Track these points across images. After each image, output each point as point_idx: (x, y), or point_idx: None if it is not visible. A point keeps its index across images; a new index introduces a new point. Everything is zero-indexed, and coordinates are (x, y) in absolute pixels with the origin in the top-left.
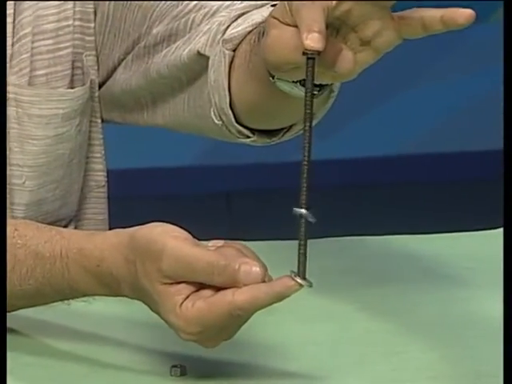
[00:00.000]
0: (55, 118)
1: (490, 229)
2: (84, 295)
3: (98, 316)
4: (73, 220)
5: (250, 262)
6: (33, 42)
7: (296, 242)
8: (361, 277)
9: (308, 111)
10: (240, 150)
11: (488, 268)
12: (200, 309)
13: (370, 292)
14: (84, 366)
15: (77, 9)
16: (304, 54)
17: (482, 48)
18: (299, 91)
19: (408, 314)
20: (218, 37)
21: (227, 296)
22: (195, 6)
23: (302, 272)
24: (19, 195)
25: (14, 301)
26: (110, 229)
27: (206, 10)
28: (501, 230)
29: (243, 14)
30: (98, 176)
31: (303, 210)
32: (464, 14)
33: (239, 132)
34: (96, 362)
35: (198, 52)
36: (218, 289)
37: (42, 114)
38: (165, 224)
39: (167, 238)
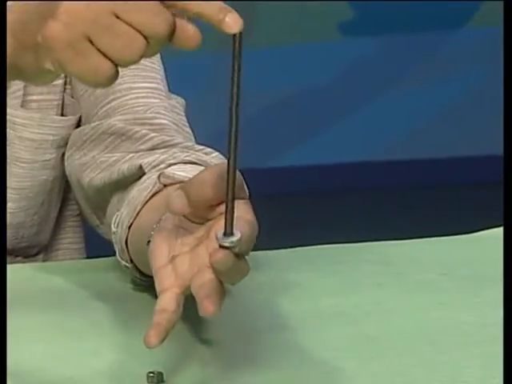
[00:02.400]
0: (45, 143)
1: (470, 232)
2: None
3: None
4: (44, 249)
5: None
6: None
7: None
8: (335, 283)
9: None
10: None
11: (463, 273)
12: None
13: (346, 298)
14: (60, 374)
15: None
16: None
17: (461, 52)
18: None
19: (384, 320)
20: (162, 166)
21: None
22: (159, 127)
23: (229, 230)
24: None
25: None
26: (88, 257)
27: (168, 138)
28: (478, 233)
29: (195, 163)
30: (74, 205)
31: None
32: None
33: (122, 251)
34: (71, 369)
35: (140, 166)
36: None
37: (33, 138)
38: None
39: None
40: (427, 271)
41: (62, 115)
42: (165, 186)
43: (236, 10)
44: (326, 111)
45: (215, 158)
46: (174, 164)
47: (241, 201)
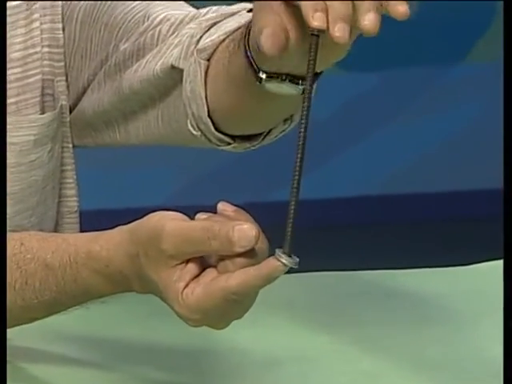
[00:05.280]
0: (27, 144)
1: (465, 264)
2: (100, 296)
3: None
4: None
5: (241, 222)
6: None
7: None
8: (333, 315)
9: (307, 95)
10: (209, 191)
11: (461, 307)
12: (198, 296)
13: (343, 334)
14: None
15: (44, 35)
16: (310, 32)
17: (458, 86)
18: (288, 89)
19: (382, 357)
20: (192, 48)
21: (220, 282)
22: (161, 20)
23: (287, 250)
24: None
25: (34, 314)
26: None
27: (171, 21)
28: (476, 266)
29: (215, 23)
30: (71, 202)
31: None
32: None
33: (219, 140)
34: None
35: (172, 65)
36: (217, 272)
37: (14, 141)
38: (162, 211)
39: (165, 220)
40: (425, 304)
41: (42, 113)
42: (208, 60)
43: None
44: (325, 145)
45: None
46: (200, 37)
47: None
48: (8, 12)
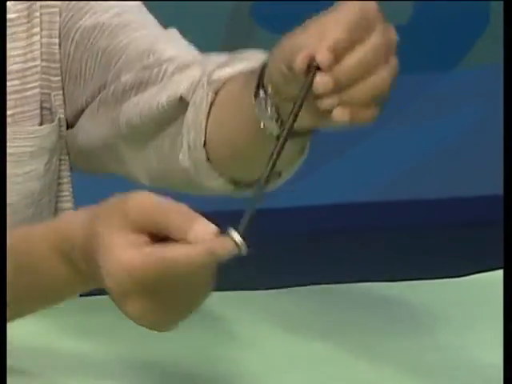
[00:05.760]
0: (24, 155)
1: (464, 275)
2: (52, 281)
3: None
4: None
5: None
6: None
7: None
8: (326, 326)
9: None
10: (203, 197)
11: (456, 315)
12: (134, 262)
13: (337, 341)
14: None
15: (43, 50)
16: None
17: (454, 92)
18: (273, 125)
19: (377, 364)
20: (203, 80)
21: (161, 252)
22: (169, 58)
23: (242, 231)
24: None
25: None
26: None
27: (179, 60)
28: (471, 277)
29: (225, 63)
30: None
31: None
32: None
33: (208, 174)
34: None
35: (181, 97)
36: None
37: (10, 152)
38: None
39: (134, 194)
40: (418, 314)
41: (41, 125)
42: (215, 93)
43: (226, 51)
44: (317, 152)
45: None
46: (212, 72)
47: None
48: (8, 24)
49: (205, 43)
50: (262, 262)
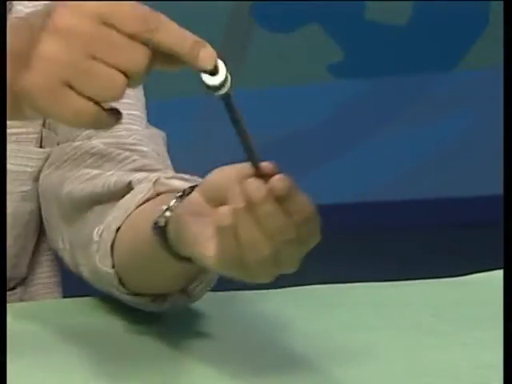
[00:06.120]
0: (22, 175)
1: (462, 275)
2: None
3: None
4: (22, 283)
5: None
6: None
7: None
8: (325, 325)
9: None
10: None
11: (454, 315)
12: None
13: (336, 340)
14: None
15: None
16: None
17: (452, 94)
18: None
19: (374, 363)
20: (152, 176)
21: None
22: (142, 152)
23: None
24: None
25: None
26: (64, 296)
27: (150, 163)
28: (469, 276)
29: (182, 177)
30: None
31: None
32: None
33: (105, 256)
34: None
35: (129, 182)
36: None
37: (10, 169)
38: None
39: None
40: (418, 313)
41: (41, 148)
42: (158, 194)
43: (226, 51)
44: (316, 153)
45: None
46: (166, 178)
47: None
48: None
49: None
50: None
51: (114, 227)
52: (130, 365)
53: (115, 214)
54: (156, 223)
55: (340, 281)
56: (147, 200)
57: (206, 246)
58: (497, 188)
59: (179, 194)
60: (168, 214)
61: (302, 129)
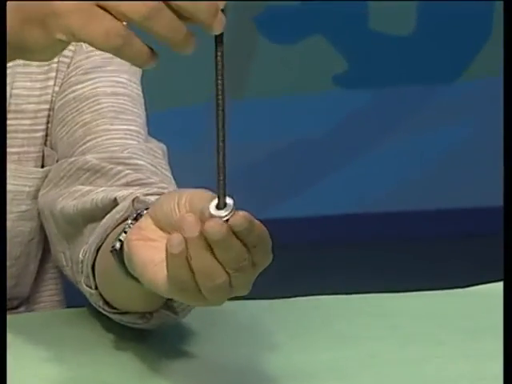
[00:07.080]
0: (21, 194)
1: (466, 286)
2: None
3: None
4: (26, 302)
5: None
6: (11, 120)
7: None
8: (330, 336)
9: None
10: None
11: (458, 326)
12: None
13: (340, 352)
14: None
15: (54, 96)
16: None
17: (455, 104)
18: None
19: (379, 373)
20: (138, 192)
21: None
22: (138, 169)
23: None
24: None
25: None
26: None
27: (143, 177)
28: (474, 288)
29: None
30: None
31: None
32: None
33: (87, 276)
34: None
35: (115, 199)
36: None
37: (9, 189)
38: None
39: None
40: (420, 324)
41: (42, 167)
42: (137, 212)
43: (231, 62)
44: (320, 162)
45: None
46: (150, 195)
47: None
48: (27, 62)
49: (206, 51)
50: (262, 271)
51: (95, 247)
52: (120, 375)
53: (97, 233)
54: (113, 246)
55: (340, 291)
56: (125, 219)
57: (156, 272)
58: (500, 199)
59: (134, 215)
60: (123, 236)
61: (306, 138)
